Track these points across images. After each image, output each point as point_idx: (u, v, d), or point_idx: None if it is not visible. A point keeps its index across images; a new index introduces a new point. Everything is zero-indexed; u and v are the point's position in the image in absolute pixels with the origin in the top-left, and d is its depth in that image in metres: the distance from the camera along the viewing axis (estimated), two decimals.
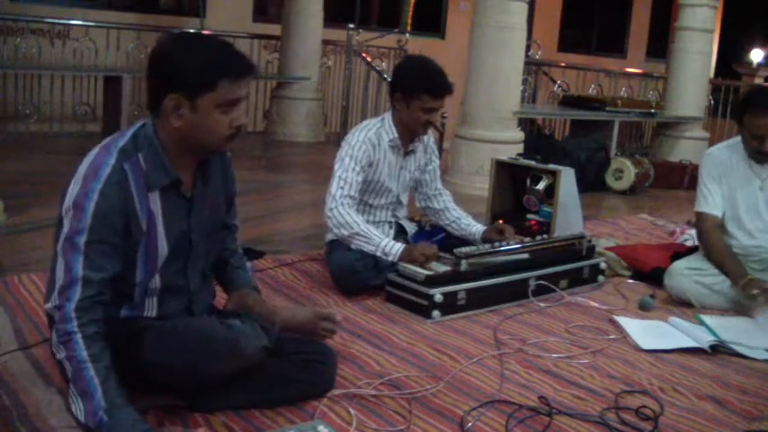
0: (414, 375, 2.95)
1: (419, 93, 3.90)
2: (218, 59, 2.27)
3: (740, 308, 4.01)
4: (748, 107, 3.98)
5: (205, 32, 8.30)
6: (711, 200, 4.20)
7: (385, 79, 8.85)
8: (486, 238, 4.17)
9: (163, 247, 2.35)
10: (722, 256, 4.08)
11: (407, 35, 10.75)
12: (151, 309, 2.41)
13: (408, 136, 4.08)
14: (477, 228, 4.29)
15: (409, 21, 12.23)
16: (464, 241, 4.18)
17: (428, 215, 4.47)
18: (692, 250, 4.53)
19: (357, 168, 3.90)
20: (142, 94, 8.04)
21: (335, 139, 8.43)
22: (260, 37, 9.82)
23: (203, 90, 2.24)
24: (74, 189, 2.21)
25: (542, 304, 3.90)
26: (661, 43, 12.92)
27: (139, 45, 8.96)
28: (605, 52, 14.57)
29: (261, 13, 10.59)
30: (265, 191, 6.27)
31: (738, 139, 4.27)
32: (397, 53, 10.29)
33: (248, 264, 2.79)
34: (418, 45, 10.06)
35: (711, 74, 11.25)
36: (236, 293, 2.70)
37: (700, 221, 4.26)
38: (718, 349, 3.49)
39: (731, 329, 3.69)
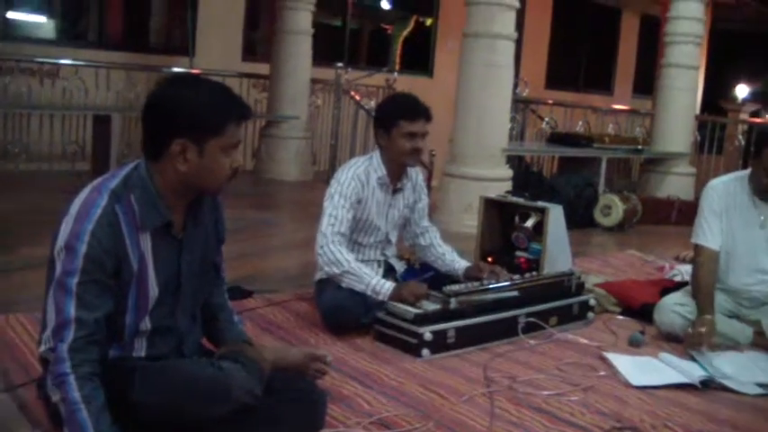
0: (404, 414, 2.94)
1: (395, 120, 3.95)
2: (224, 104, 2.29)
3: (730, 342, 4.02)
4: None
5: (195, 72, 8.36)
6: (710, 233, 4.16)
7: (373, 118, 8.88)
8: (468, 276, 4.18)
9: (153, 289, 2.34)
10: (702, 288, 4.05)
11: (396, 74, 10.81)
12: (140, 349, 2.40)
13: (397, 173, 4.09)
14: (460, 264, 4.30)
15: (397, 59, 12.31)
16: (454, 279, 4.18)
17: (415, 252, 4.48)
18: (681, 285, 4.53)
19: (347, 205, 3.91)
20: (131, 133, 8.10)
21: (324, 178, 8.44)
22: (249, 76, 9.87)
23: (211, 135, 2.26)
24: (65, 230, 2.20)
25: (532, 341, 3.90)
26: (647, 80, 13.00)
27: (129, 84, 8.99)
28: (592, 89, 14.68)
29: (250, 53, 10.64)
30: (254, 229, 6.27)
31: (743, 173, 4.25)
32: (386, 92, 10.35)
33: (236, 317, 2.77)
34: (406, 83, 10.09)
35: (697, 110, 11.34)
36: (228, 346, 2.67)
37: (696, 254, 4.23)
38: (709, 384, 3.49)
39: (721, 364, 3.69)
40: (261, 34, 10.99)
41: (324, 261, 3.84)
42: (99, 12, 9.60)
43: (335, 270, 3.80)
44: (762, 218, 4.14)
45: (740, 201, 4.17)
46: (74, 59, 8.70)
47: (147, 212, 2.28)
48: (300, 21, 9.30)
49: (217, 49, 10.07)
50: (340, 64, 9.65)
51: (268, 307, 4.16)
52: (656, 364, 3.73)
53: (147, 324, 2.37)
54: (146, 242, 2.30)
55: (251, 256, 5.34)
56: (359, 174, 4.01)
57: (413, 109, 3.98)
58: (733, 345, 4.02)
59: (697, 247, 4.21)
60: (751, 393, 3.47)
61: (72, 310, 2.15)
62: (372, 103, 9.65)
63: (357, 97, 9.45)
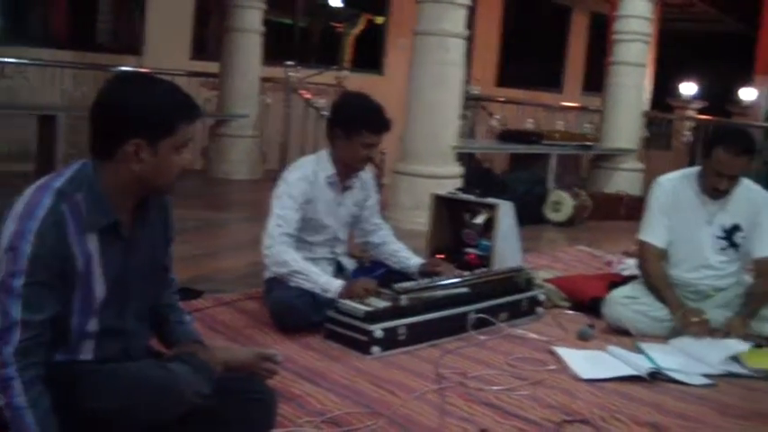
0: (355, 412, 2.94)
1: (360, 129, 3.92)
2: (176, 103, 2.27)
3: (677, 335, 4.07)
4: (722, 143, 4.02)
5: (144, 71, 8.26)
6: (657, 230, 4.23)
7: (324, 116, 8.85)
8: (422, 272, 4.18)
9: (100, 290, 2.30)
10: (661, 285, 4.14)
11: (346, 72, 10.79)
12: (87, 352, 2.35)
13: (346, 172, 4.08)
14: (414, 261, 4.30)
15: (348, 58, 12.29)
16: (404, 276, 4.18)
17: (368, 250, 4.47)
18: (630, 279, 4.58)
19: (294, 206, 3.90)
20: (77, 133, 7.95)
21: (274, 177, 8.30)
22: (198, 75, 9.79)
23: (165, 134, 2.23)
24: (9, 231, 2.16)
25: (482, 337, 3.91)
26: (596, 77, 13.10)
27: (75, 83, 8.87)
28: (542, 87, 14.77)
29: (199, 51, 10.55)
30: (204, 229, 6.22)
31: (691, 170, 4.32)
32: (336, 90, 10.32)
33: (188, 317, 2.74)
34: (357, 82, 10.09)
35: (646, 107, 11.46)
36: (178, 347, 2.64)
37: (642, 250, 4.30)
38: (657, 376, 3.53)
39: (669, 357, 3.74)
40: (210, 32, 10.90)
41: (271, 262, 3.83)
42: (44, 9, 9.46)
43: (283, 270, 3.80)
44: (709, 215, 4.20)
45: (688, 198, 4.23)
46: (18, 58, 8.56)
47: (94, 212, 2.24)
48: (250, 19, 9.26)
49: (165, 47, 9.97)
50: (290, 62, 9.60)
51: (218, 307, 4.13)
52: (605, 357, 3.76)
53: (94, 326, 2.33)
54: (92, 242, 2.26)
55: (200, 256, 5.30)
56: (307, 174, 4.00)
57: (380, 122, 3.98)
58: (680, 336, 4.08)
59: (643, 244, 4.27)
60: (697, 384, 3.52)
61: (17, 313, 2.11)
62: (323, 102, 9.62)
63: (307, 96, 9.41)
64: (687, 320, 3.96)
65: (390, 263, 4.36)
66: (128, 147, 2.22)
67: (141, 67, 9.18)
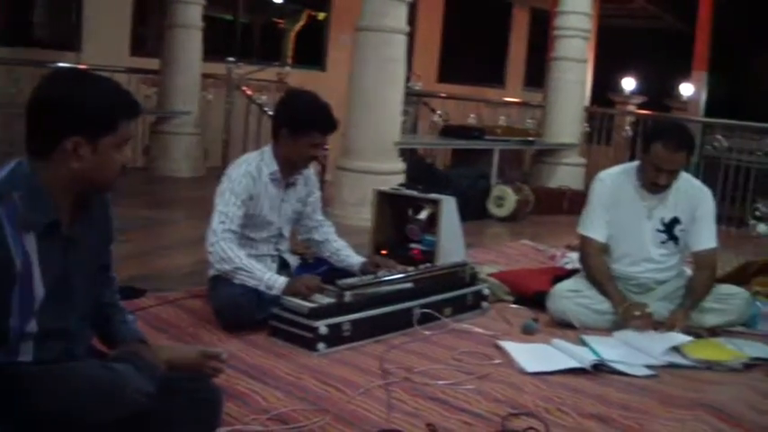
0: (301, 409, 2.93)
1: (308, 129, 3.91)
2: (116, 100, 2.24)
3: (621, 328, 4.13)
4: (661, 139, 4.07)
5: (82, 67, 8.13)
6: (597, 224, 4.29)
7: (266, 112, 8.81)
8: (364, 271, 4.19)
9: (39, 290, 2.26)
10: (603, 279, 4.19)
11: (288, 68, 10.74)
12: (27, 353, 2.31)
13: (289, 170, 4.06)
14: (356, 259, 4.30)
15: (290, 54, 12.23)
16: (348, 273, 4.17)
17: (309, 246, 4.46)
18: (573, 273, 4.62)
19: (238, 202, 3.87)
20: (12, 130, 7.81)
21: (217, 174, 8.26)
22: (138, 71, 9.65)
23: (105, 132, 2.20)
24: None
25: (427, 332, 3.92)
26: (538, 73, 13.20)
27: (10, 80, 8.69)
28: (484, 82, 14.82)
29: (138, 47, 10.40)
30: (146, 228, 6.15)
31: (631, 165, 4.39)
32: (278, 86, 10.27)
33: (130, 317, 2.70)
34: (299, 78, 10.06)
35: (587, 102, 11.58)
36: (122, 346, 2.61)
37: (582, 244, 4.35)
38: (600, 368, 3.57)
39: (612, 349, 3.79)
40: (150, 28, 10.76)
41: (215, 259, 3.81)
42: None
43: (227, 267, 3.77)
44: (648, 209, 4.26)
45: (628, 192, 4.29)
46: None
47: (32, 211, 2.20)
48: (190, 15, 9.16)
49: (104, 43, 9.81)
50: (231, 58, 9.53)
51: (161, 306, 4.08)
52: (550, 350, 3.80)
53: (33, 327, 2.29)
54: (30, 242, 2.22)
55: (143, 254, 5.24)
56: (250, 170, 3.97)
57: (329, 123, 3.98)
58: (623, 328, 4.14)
59: (584, 238, 4.32)
60: (640, 375, 3.57)
61: None
62: (265, 98, 9.57)
63: (249, 92, 9.35)
64: (630, 314, 4.01)
65: (332, 261, 4.35)
66: (67, 144, 2.18)
67: (79, 63, 9.03)
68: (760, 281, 5.02)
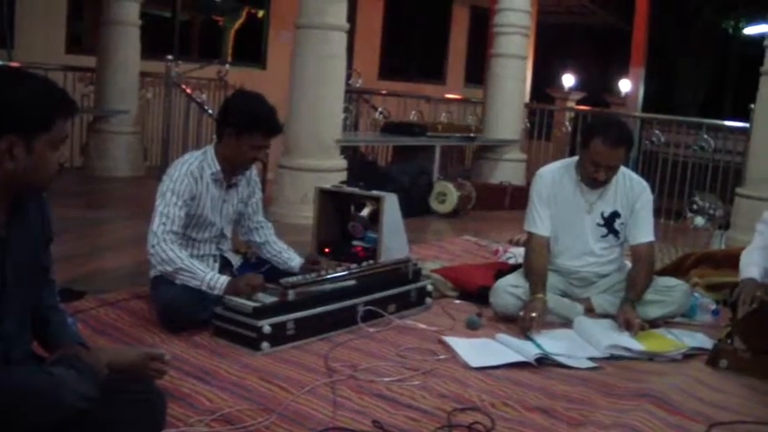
0: (246, 409, 2.92)
1: (252, 130, 3.89)
2: (51, 98, 2.19)
3: (562, 320, 4.18)
4: (600, 134, 4.11)
5: (15, 65, 7.98)
6: (540, 221, 4.32)
7: (206, 111, 8.73)
8: (303, 270, 4.18)
9: None
10: (532, 271, 4.21)
11: (228, 66, 10.66)
12: None
13: (231, 170, 4.03)
14: (296, 261, 4.29)
15: (230, 51, 12.15)
16: (291, 272, 4.15)
17: (251, 246, 4.44)
18: (515, 268, 4.66)
19: (179, 203, 3.83)
20: None
21: (156, 174, 8.22)
22: (74, 69, 9.48)
23: (40, 131, 2.15)
24: None
25: (372, 329, 3.92)
26: (478, 69, 13.29)
27: None
28: (425, 79, 14.87)
29: (74, 44, 10.24)
30: (85, 228, 6.05)
31: (571, 160, 4.43)
32: (218, 84, 10.19)
33: (69, 319, 2.66)
34: (239, 76, 10.00)
35: (527, 98, 11.68)
36: (62, 350, 2.56)
37: (528, 240, 4.39)
38: (544, 362, 3.61)
39: (555, 342, 3.83)
40: (86, 25, 10.61)
41: (156, 260, 3.77)
42: None
43: (168, 268, 3.74)
44: (588, 204, 4.31)
45: (568, 188, 4.33)
46: None
47: None
48: (127, 12, 9.02)
49: (38, 40, 9.64)
50: (170, 56, 9.42)
51: (101, 307, 4.02)
52: (494, 345, 3.82)
53: None
54: None
55: (82, 255, 5.15)
56: (192, 170, 3.93)
57: (274, 126, 3.97)
58: (565, 322, 4.18)
59: (530, 235, 4.35)
60: (583, 367, 3.61)
61: None
62: (204, 96, 9.49)
63: (188, 90, 9.26)
64: (526, 312, 4.01)
65: (273, 263, 4.33)
66: (0, 144, 2.14)
67: (12, 61, 8.85)
68: (698, 272, 5.11)
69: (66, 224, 5.75)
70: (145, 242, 3.84)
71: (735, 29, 17.18)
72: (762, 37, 7.22)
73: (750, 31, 15.61)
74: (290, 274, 4.07)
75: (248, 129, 3.89)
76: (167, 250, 3.75)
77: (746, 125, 7.82)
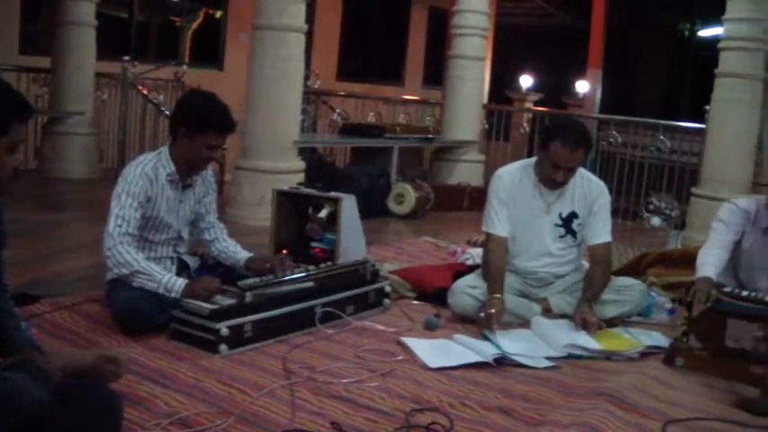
0: (204, 412, 2.89)
1: (205, 129, 3.86)
2: (7, 101, 2.16)
3: (520, 320, 4.20)
4: (559, 136, 4.13)
5: None
6: (498, 221, 4.33)
7: (162, 112, 8.67)
8: (250, 267, 4.18)
9: None
10: (490, 271, 4.23)
11: (185, 67, 10.59)
12: None
13: (187, 170, 4.01)
14: (243, 255, 4.28)
15: (187, 52, 12.08)
16: (248, 274, 4.12)
17: (202, 246, 4.41)
18: (473, 269, 4.67)
19: (135, 204, 3.80)
20: None
21: (113, 175, 8.12)
22: (28, 70, 9.37)
23: None
24: None
25: (330, 331, 3.92)
26: (437, 71, 13.33)
27: None
28: (383, 80, 14.88)
29: (28, 45, 10.10)
30: (40, 231, 5.97)
31: (529, 161, 4.45)
32: (175, 85, 10.12)
33: (24, 324, 2.62)
34: (196, 77, 9.93)
35: (485, 99, 11.72)
36: (16, 354, 2.53)
37: (486, 241, 4.40)
38: (502, 362, 3.63)
39: (513, 342, 3.85)
40: (40, 26, 10.47)
41: (112, 263, 3.74)
42: None
43: (124, 271, 3.71)
44: (547, 204, 4.33)
45: (526, 188, 4.35)
46: None
47: None
48: (83, 12, 8.91)
49: None
50: (126, 57, 9.34)
51: (57, 311, 3.96)
52: (452, 345, 3.83)
53: None
54: None
55: (37, 259, 5.08)
56: (147, 171, 3.90)
57: (227, 124, 3.94)
58: (523, 322, 4.20)
59: (488, 236, 4.37)
60: (540, 367, 3.63)
61: None
62: (161, 98, 9.42)
63: (145, 91, 9.19)
64: (484, 311, 4.02)
65: (221, 259, 4.32)
66: None
67: None
68: (654, 272, 5.16)
69: (21, 227, 5.67)
70: (101, 245, 3.81)
71: (691, 31, 17.37)
72: (717, 39, 7.32)
73: (705, 33, 15.79)
74: (247, 275, 4.05)
75: (202, 127, 3.86)
76: (123, 253, 3.71)
77: (702, 126, 7.92)
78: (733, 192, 6.57)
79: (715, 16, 7.76)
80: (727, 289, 3.88)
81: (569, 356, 3.79)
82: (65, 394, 2.41)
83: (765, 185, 5.15)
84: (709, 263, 4.05)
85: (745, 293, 3.81)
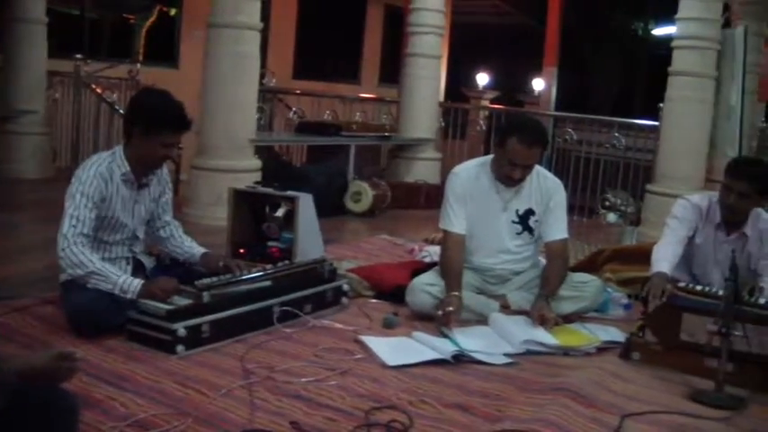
0: (162, 414, 2.88)
1: (160, 128, 3.82)
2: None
3: (479, 317, 4.21)
4: (516, 134, 4.14)
5: None
6: (455, 218, 4.34)
7: (117, 111, 8.58)
8: (204, 264, 4.18)
9: None
10: (448, 269, 4.24)
11: (139, 65, 10.49)
12: None
13: (142, 169, 3.97)
14: (198, 250, 4.27)
15: (141, 51, 11.96)
16: (204, 274, 4.09)
17: (156, 244, 4.37)
18: (431, 266, 4.68)
19: (89, 205, 3.75)
20: None
21: (66, 175, 8.00)
22: None
23: None
24: None
25: (288, 330, 3.91)
26: (393, 69, 13.33)
27: None
28: (339, 78, 14.84)
29: None
30: None
31: (486, 158, 4.47)
32: (129, 84, 10.02)
33: None
34: (151, 75, 9.82)
35: (441, 97, 11.75)
36: None
37: (444, 238, 4.41)
38: (461, 359, 3.65)
39: (471, 339, 3.87)
40: None
41: (66, 264, 3.69)
42: None
43: (79, 272, 3.66)
44: (504, 201, 4.35)
45: (483, 186, 4.36)
46: None
47: None
48: (33, 8, 8.77)
49: None
50: (79, 55, 9.23)
51: (9, 314, 3.91)
52: (411, 343, 3.84)
53: None
54: None
55: None
56: (101, 171, 3.85)
57: (182, 122, 3.89)
58: (481, 318, 4.22)
59: (445, 233, 4.38)
60: (499, 363, 3.65)
61: None
62: (115, 96, 9.32)
63: (99, 90, 9.09)
64: (442, 308, 4.04)
65: (175, 255, 4.30)
66: None
67: None
68: (610, 268, 5.21)
69: None
70: (55, 246, 3.75)
71: (644, 30, 17.58)
72: (670, 38, 7.41)
73: (659, 32, 15.97)
74: (204, 275, 4.02)
75: (157, 126, 3.82)
76: (78, 253, 3.67)
77: (656, 124, 7.99)
78: (686, 188, 6.66)
79: (668, 15, 7.85)
80: (681, 284, 3.94)
81: (527, 352, 3.82)
82: (21, 398, 2.37)
83: (718, 182, 5.22)
84: (664, 258, 4.10)
85: (699, 288, 3.87)
